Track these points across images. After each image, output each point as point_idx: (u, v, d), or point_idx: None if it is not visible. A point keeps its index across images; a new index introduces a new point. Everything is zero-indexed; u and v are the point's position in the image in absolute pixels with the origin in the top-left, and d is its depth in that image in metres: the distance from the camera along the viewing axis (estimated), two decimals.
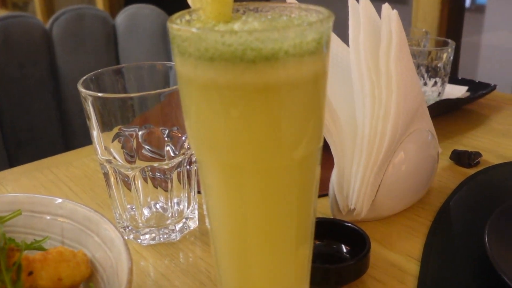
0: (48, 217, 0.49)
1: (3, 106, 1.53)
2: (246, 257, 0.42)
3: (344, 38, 0.58)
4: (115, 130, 0.58)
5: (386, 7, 0.50)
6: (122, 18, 1.59)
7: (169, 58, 1.59)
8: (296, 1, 0.51)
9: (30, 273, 0.40)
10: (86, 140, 1.76)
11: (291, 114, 0.36)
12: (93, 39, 1.57)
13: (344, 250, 0.55)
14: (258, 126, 0.36)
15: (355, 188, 0.58)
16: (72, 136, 1.68)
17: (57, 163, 0.82)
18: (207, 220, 0.44)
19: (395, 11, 0.50)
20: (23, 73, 1.53)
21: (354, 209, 0.59)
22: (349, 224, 0.55)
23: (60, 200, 0.49)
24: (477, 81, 0.98)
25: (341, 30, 0.54)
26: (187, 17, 0.39)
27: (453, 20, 1.19)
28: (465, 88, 0.97)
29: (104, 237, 0.45)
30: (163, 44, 1.58)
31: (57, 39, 1.55)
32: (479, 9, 3.17)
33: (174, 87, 0.55)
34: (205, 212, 0.43)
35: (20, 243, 0.44)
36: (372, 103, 0.53)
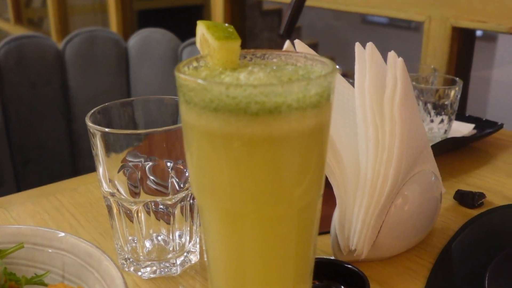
0: (50, 251, 0.50)
1: (13, 124, 1.55)
2: None
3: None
4: (121, 161, 0.58)
5: (392, 54, 0.51)
6: (134, 41, 1.61)
7: None
8: (307, 49, 0.52)
9: None
10: (92, 160, 1.77)
11: (293, 164, 0.37)
12: (105, 61, 1.60)
13: None
14: (260, 175, 0.37)
15: (357, 229, 0.58)
16: (80, 156, 1.69)
17: (62, 189, 0.82)
18: (205, 256, 0.44)
19: (400, 58, 0.51)
20: (35, 92, 1.55)
21: (355, 249, 0.59)
22: (349, 266, 0.55)
23: (62, 234, 0.49)
24: (484, 119, 0.99)
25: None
26: (195, 64, 0.40)
27: (463, 55, 1.20)
28: (472, 125, 0.97)
29: (104, 275, 0.46)
30: (174, 67, 1.60)
31: (69, 60, 1.57)
32: (491, 38, 3.17)
33: (179, 124, 0.56)
34: (204, 248, 0.44)
35: (20, 278, 0.44)
36: (376, 146, 0.53)
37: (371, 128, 0.53)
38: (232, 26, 0.40)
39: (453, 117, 0.91)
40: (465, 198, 0.76)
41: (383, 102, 0.52)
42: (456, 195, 0.77)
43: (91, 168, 1.76)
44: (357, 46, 0.51)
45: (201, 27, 0.41)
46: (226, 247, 0.40)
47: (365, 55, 0.51)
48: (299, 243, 0.40)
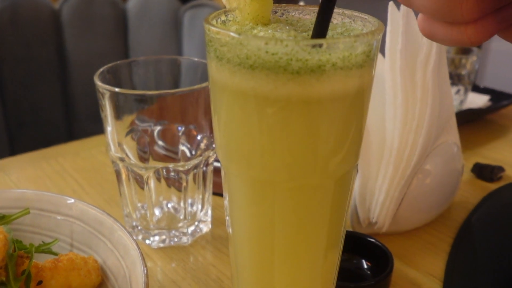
0: (58, 217, 0.47)
1: (7, 85, 1.50)
2: (270, 267, 0.39)
3: None
4: (129, 125, 0.55)
5: None
6: (133, 2, 1.55)
7: (179, 45, 1.56)
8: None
9: (40, 283, 0.37)
10: (88, 124, 1.73)
11: (331, 128, 0.34)
12: (103, 23, 1.54)
13: (365, 266, 0.53)
14: (296, 140, 0.33)
15: (379, 201, 0.55)
16: (75, 119, 1.65)
17: (63, 152, 0.79)
18: (228, 226, 0.41)
19: None
20: (30, 53, 1.50)
21: (376, 222, 0.56)
22: (372, 240, 0.52)
23: (72, 200, 0.46)
24: (499, 91, 0.95)
25: None
26: (223, 18, 0.37)
27: None
28: (487, 97, 0.94)
29: (117, 244, 0.43)
30: (174, 31, 1.54)
31: (66, 21, 1.51)
32: None
33: (195, 87, 0.52)
34: (226, 218, 0.41)
35: (28, 246, 0.41)
36: (405, 114, 0.50)
37: (401, 95, 0.49)
38: None
39: (469, 87, 0.88)
40: (484, 172, 0.73)
41: (416, 67, 0.48)
42: (474, 168, 0.74)
43: (87, 132, 1.72)
44: (391, 5, 0.47)
45: None
46: (254, 217, 0.37)
47: (399, 16, 0.47)
48: (332, 215, 0.37)
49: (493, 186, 0.71)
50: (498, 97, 0.94)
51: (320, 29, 0.32)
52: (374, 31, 0.32)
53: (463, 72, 0.85)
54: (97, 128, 1.74)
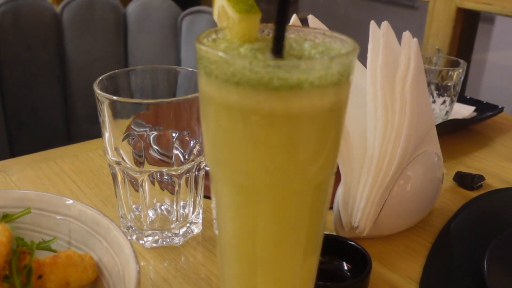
0: (58, 217, 0.50)
1: (7, 86, 1.53)
2: (253, 267, 0.42)
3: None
4: (126, 130, 0.58)
5: (407, 35, 0.51)
6: (133, 7, 1.58)
7: (178, 50, 1.59)
8: (321, 26, 0.51)
9: (40, 277, 0.40)
10: (87, 125, 1.76)
11: (309, 141, 0.37)
12: (103, 27, 1.57)
13: (345, 267, 0.56)
14: (276, 150, 0.37)
15: (360, 206, 0.58)
16: (74, 121, 1.68)
17: (62, 155, 0.82)
18: (215, 228, 0.44)
19: (415, 39, 0.51)
20: (31, 55, 1.53)
21: (357, 226, 0.60)
22: (352, 243, 0.55)
23: (70, 201, 0.49)
24: (484, 102, 0.99)
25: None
26: (213, 36, 0.40)
27: (466, 37, 1.20)
28: (473, 108, 0.97)
29: (112, 242, 0.46)
30: (173, 37, 1.58)
31: (67, 24, 1.54)
32: (489, 20, 3.15)
33: (189, 96, 0.55)
34: (214, 220, 0.44)
35: (29, 243, 0.44)
36: (384, 126, 0.53)
37: (381, 107, 0.53)
38: (252, 0, 0.39)
39: (455, 98, 0.91)
40: (465, 180, 0.76)
41: (395, 81, 0.52)
42: (456, 177, 0.78)
43: (85, 133, 1.75)
44: (372, 24, 0.51)
45: None
46: (238, 221, 0.40)
47: (379, 34, 0.51)
48: (311, 218, 0.40)
49: (473, 194, 0.75)
50: (483, 108, 0.98)
51: (277, 46, 0.35)
52: (348, 52, 0.35)
53: (449, 83, 0.89)
54: (95, 129, 1.76)
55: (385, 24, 0.50)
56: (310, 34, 0.41)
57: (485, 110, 0.97)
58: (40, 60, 1.56)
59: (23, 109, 1.59)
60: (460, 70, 0.89)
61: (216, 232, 0.44)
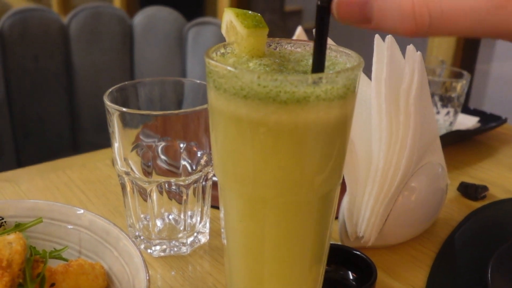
0: (68, 226, 0.51)
1: (15, 96, 1.55)
2: (260, 276, 0.43)
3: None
4: (134, 140, 0.59)
5: (411, 48, 0.52)
6: (140, 18, 1.60)
7: (183, 61, 1.61)
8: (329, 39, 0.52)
9: (52, 285, 0.41)
10: (93, 134, 1.77)
11: (316, 152, 0.38)
12: (110, 38, 1.59)
13: (351, 277, 0.56)
14: (283, 161, 0.38)
15: (365, 217, 0.59)
16: (80, 131, 1.69)
17: (70, 164, 0.83)
18: (223, 238, 0.45)
19: (419, 53, 0.52)
20: (38, 65, 1.55)
21: (362, 236, 0.60)
22: (358, 253, 0.56)
23: (81, 211, 0.50)
24: (488, 113, 1.00)
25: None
26: (222, 50, 0.41)
27: (469, 48, 1.21)
28: (476, 119, 0.98)
29: (122, 252, 0.47)
30: (178, 47, 1.60)
31: (74, 35, 1.56)
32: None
33: (197, 108, 0.56)
34: (222, 230, 0.45)
35: (41, 252, 0.45)
36: (389, 137, 0.54)
37: (385, 119, 0.54)
38: (259, 15, 0.41)
39: (459, 109, 0.92)
40: (469, 190, 0.77)
41: (399, 94, 0.53)
42: (460, 187, 0.78)
43: (91, 143, 1.77)
44: (377, 38, 0.52)
45: (228, 15, 0.41)
46: (246, 229, 0.41)
47: (384, 47, 0.52)
48: (317, 228, 0.41)
49: (477, 205, 0.75)
50: (486, 119, 0.98)
51: (318, 63, 0.36)
52: (354, 67, 0.37)
53: (453, 94, 0.90)
54: (101, 139, 1.78)
55: (389, 38, 0.51)
56: None
57: (489, 121, 0.98)
58: (47, 71, 1.58)
59: (30, 119, 1.60)
60: (464, 82, 0.90)
61: (224, 241, 0.45)
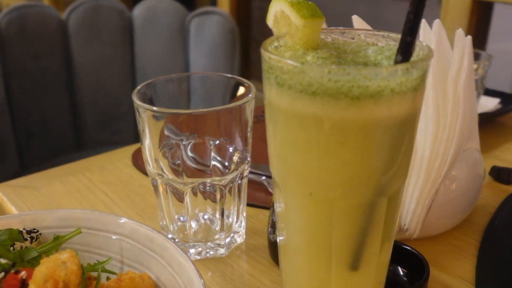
0: (107, 236, 0.48)
1: (16, 97, 1.51)
2: (327, 277, 0.41)
3: None
4: (161, 139, 0.57)
5: (460, 32, 0.49)
6: (139, 11, 1.56)
7: (185, 53, 1.57)
8: (366, 26, 0.50)
9: None
10: (96, 131, 1.74)
11: (385, 147, 0.36)
12: (109, 31, 1.55)
13: (401, 273, 0.54)
14: (351, 158, 0.35)
15: (410, 208, 0.57)
16: (83, 128, 1.66)
17: (89, 166, 0.80)
18: (279, 235, 0.43)
19: (469, 37, 0.49)
20: (38, 65, 1.51)
21: (407, 229, 0.58)
22: (408, 248, 0.54)
23: (123, 220, 0.48)
24: (509, 93, 0.98)
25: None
26: (275, 43, 0.38)
27: (481, 28, 1.19)
28: (497, 100, 0.96)
29: (170, 260, 0.44)
30: (180, 39, 1.56)
31: (73, 30, 1.52)
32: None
33: (230, 105, 0.54)
34: (278, 231, 0.43)
35: (85, 266, 0.42)
36: (436, 126, 0.52)
37: (432, 108, 0.51)
38: (313, 3, 0.38)
39: (482, 92, 0.90)
40: (501, 175, 0.75)
41: (447, 81, 0.50)
42: (492, 172, 0.76)
43: (95, 140, 1.73)
44: (423, 23, 0.49)
45: (279, 4, 0.39)
46: (309, 232, 0.39)
47: (431, 34, 0.49)
48: (385, 229, 0.39)
49: (511, 188, 0.73)
50: (507, 100, 0.96)
51: (406, 50, 0.33)
52: (427, 56, 0.34)
53: (476, 77, 0.87)
54: (104, 136, 1.75)
55: (437, 22, 0.49)
56: (372, 37, 0.40)
57: (510, 101, 0.96)
58: (48, 70, 1.54)
59: (32, 120, 1.57)
60: (486, 63, 0.88)
61: (280, 238, 0.43)
